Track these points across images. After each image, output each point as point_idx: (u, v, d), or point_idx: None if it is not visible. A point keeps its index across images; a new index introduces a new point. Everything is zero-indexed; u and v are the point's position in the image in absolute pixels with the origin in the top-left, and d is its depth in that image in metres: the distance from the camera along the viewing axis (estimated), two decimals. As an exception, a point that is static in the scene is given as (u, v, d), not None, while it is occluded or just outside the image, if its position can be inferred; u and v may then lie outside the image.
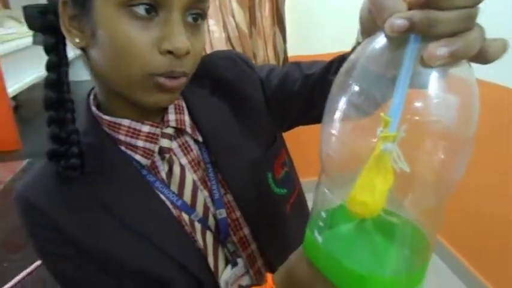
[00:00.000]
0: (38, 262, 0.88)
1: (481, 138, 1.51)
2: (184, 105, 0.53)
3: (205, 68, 0.55)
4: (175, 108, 0.50)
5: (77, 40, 0.43)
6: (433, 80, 0.26)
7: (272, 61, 2.17)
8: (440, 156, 0.27)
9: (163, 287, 0.47)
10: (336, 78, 0.31)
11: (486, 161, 1.58)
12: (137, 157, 0.48)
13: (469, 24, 0.24)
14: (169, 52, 0.40)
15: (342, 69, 0.31)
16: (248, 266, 0.53)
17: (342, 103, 0.29)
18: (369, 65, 0.28)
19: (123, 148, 0.48)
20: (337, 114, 0.30)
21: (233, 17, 2.07)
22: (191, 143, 0.52)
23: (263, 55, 2.16)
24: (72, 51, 0.47)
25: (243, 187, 0.53)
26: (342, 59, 0.48)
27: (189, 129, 0.51)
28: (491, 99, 1.38)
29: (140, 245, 0.46)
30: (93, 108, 0.49)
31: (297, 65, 0.57)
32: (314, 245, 0.34)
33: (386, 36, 0.26)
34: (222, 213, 0.51)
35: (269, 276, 0.42)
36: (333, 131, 0.30)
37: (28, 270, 0.86)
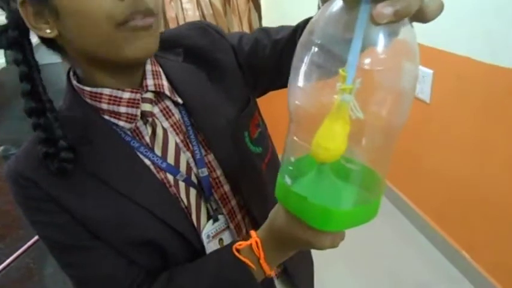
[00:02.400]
0: (22, 249, 0.88)
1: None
2: (161, 70, 0.54)
3: (177, 37, 0.58)
4: (152, 74, 0.52)
5: (48, 31, 0.45)
6: (382, 38, 0.31)
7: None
8: (387, 104, 0.31)
9: (154, 248, 0.51)
10: (300, 38, 0.35)
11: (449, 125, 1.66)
12: (121, 123, 0.50)
13: None
14: None
15: (305, 30, 0.35)
16: (229, 221, 0.57)
17: (306, 59, 0.34)
18: (328, 25, 0.33)
19: (106, 117, 0.50)
20: (302, 69, 0.33)
21: (207, -6, 2.04)
22: (172, 107, 0.54)
23: (238, 33, 2.15)
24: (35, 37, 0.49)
25: (223, 146, 0.55)
26: (307, 22, 0.51)
27: (167, 92, 0.53)
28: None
29: (128, 210, 0.49)
30: (74, 82, 0.50)
31: (266, 31, 0.60)
32: (284, 188, 0.39)
33: None
34: (204, 172, 0.54)
35: (252, 232, 0.47)
36: (299, 84, 0.34)
37: (13, 257, 0.86)
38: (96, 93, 0.49)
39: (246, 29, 2.17)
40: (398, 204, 2.12)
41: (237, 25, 2.14)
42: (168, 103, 0.54)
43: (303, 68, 0.34)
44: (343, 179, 0.37)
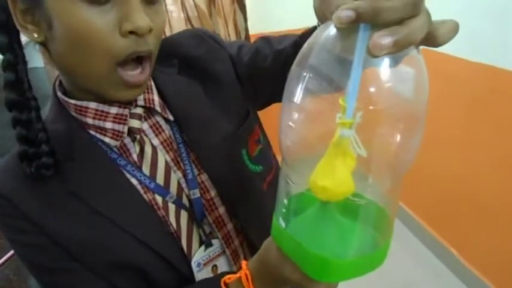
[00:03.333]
0: (2, 260, 0.84)
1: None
2: (153, 84, 0.51)
3: (172, 47, 0.54)
4: None
5: (35, 35, 0.41)
6: (385, 66, 0.27)
7: (234, 40, 2.14)
8: (395, 139, 0.28)
9: (138, 274, 0.48)
10: (291, 68, 0.31)
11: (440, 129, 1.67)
12: (106, 139, 0.47)
13: (414, 11, 0.25)
14: (131, 32, 0.39)
15: (296, 60, 0.31)
16: (224, 246, 0.53)
17: (298, 94, 0.29)
18: (322, 54, 0.29)
19: (92, 132, 0.47)
20: (294, 106, 0.30)
21: (191, -5, 2.00)
22: (162, 123, 0.51)
23: (224, 34, 2.11)
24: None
25: (217, 165, 0.52)
26: (312, 31, 0.47)
27: (158, 108, 0.50)
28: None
29: (110, 232, 0.45)
30: (59, 94, 0.48)
31: (267, 40, 0.56)
32: (279, 231, 0.35)
33: (336, 27, 0.26)
34: (196, 193, 0.51)
35: (244, 262, 0.43)
36: (291, 123, 0.30)
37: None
38: (81, 106, 0.46)
39: (232, 31, 2.13)
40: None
41: (223, 27, 2.11)
42: (159, 119, 0.51)
43: (295, 105, 0.30)
44: (346, 217, 0.32)
